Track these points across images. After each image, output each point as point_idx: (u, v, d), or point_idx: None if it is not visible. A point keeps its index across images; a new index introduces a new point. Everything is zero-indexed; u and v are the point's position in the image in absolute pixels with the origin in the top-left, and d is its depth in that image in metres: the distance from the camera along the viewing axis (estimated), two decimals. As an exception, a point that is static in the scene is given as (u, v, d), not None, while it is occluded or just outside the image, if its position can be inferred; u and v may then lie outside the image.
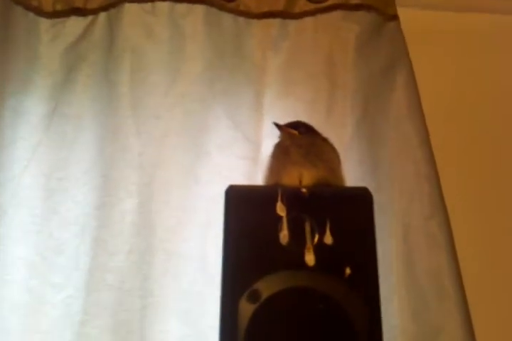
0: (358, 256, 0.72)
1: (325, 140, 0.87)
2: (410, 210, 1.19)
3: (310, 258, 0.71)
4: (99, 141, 1.22)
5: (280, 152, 0.84)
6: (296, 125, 0.87)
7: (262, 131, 1.24)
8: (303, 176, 0.78)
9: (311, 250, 0.71)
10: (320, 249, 0.71)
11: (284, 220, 0.72)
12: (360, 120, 1.25)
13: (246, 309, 0.70)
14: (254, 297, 0.70)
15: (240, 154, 1.22)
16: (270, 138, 1.23)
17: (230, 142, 1.22)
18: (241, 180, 1.20)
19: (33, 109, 1.24)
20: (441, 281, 1.14)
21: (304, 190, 0.75)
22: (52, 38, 1.25)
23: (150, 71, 1.23)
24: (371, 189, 1.25)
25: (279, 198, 0.73)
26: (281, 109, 1.25)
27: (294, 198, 0.74)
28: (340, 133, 1.25)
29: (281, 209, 0.73)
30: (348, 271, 0.71)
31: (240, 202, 0.73)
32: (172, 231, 1.16)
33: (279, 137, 0.87)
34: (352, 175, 1.23)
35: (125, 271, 1.13)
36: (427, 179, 1.20)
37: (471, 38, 1.36)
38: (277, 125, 0.86)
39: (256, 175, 1.21)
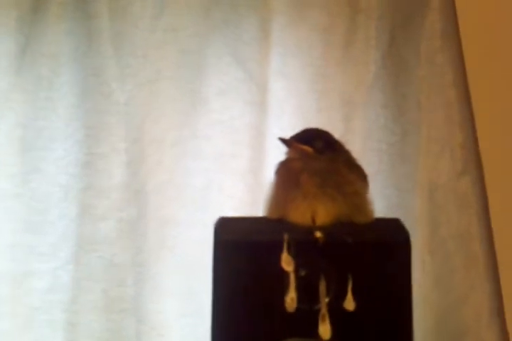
0: (387, 326, 0.56)
1: (349, 160, 0.67)
2: (439, 164, 1.08)
3: (325, 330, 0.56)
4: (78, 86, 1.09)
5: (288, 178, 0.64)
6: (312, 137, 0.66)
7: (268, 68, 1.10)
8: (317, 213, 0.60)
9: (327, 318, 0.56)
10: (339, 315, 0.56)
11: (292, 278, 0.57)
12: (385, 54, 1.10)
13: None
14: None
15: (244, 98, 1.10)
16: (278, 77, 1.09)
17: (232, 84, 1.10)
18: (246, 129, 1.10)
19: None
20: (470, 247, 1.05)
21: (318, 234, 0.58)
22: None
23: None
24: (395, 138, 1.12)
25: (285, 247, 0.56)
26: (291, 40, 1.11)
27: (305, 246, 0.57)
28: (361, 72, 1.13)
29: (287, 263, 0.57)
30: (373, 345, 0.57)
31: (232, 246, 0.56)
32: (166, 196, 1.07)
33: (287, 154, 0.67)
34: (374, 121, 1.10)
35: (116, 242, 1.07)
36: (460, 126, 1.07)
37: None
38: (284, 140, 0.66)
39: (262, 124, 1.11)
